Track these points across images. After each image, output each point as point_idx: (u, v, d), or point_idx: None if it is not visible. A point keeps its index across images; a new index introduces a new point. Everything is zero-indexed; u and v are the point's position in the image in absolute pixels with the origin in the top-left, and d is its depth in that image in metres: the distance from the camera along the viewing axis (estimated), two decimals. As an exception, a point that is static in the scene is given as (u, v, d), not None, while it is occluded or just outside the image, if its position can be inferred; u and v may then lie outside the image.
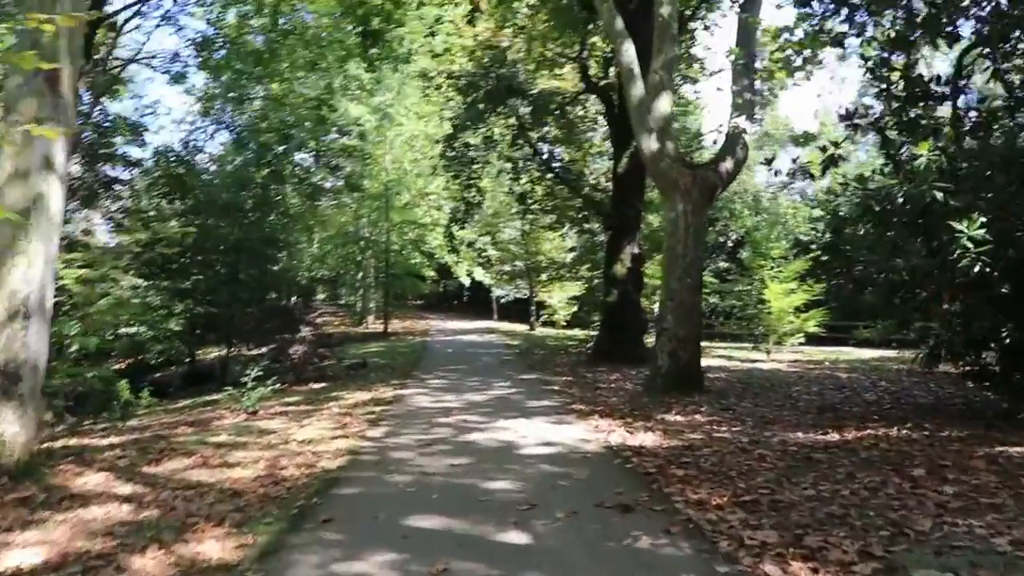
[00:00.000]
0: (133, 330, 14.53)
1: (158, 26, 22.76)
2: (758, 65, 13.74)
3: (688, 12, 19.38)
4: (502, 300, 40.41)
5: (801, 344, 20.95)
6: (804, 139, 12.03)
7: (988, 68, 8.86)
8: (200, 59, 23.01)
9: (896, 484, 5.46)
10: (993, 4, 9.05)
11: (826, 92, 49.84)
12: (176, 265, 17.54)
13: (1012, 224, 7.29)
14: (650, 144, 11.98)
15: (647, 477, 6.08)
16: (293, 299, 29.92)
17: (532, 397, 11.58)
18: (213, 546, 4.57)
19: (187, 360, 19.89)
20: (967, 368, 8.87)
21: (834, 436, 7.59)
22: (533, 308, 35.22)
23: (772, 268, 20.84)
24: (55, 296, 11.35)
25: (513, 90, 21.58)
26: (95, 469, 6.88)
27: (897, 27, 9.74)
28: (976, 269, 6.95)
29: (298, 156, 28.19)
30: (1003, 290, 7.50)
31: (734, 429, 8.21)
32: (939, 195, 7.14)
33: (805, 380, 13.15)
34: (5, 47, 14.88)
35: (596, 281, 26.70)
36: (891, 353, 16.43)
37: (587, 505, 5.25)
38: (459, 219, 28.42)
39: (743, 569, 3.97)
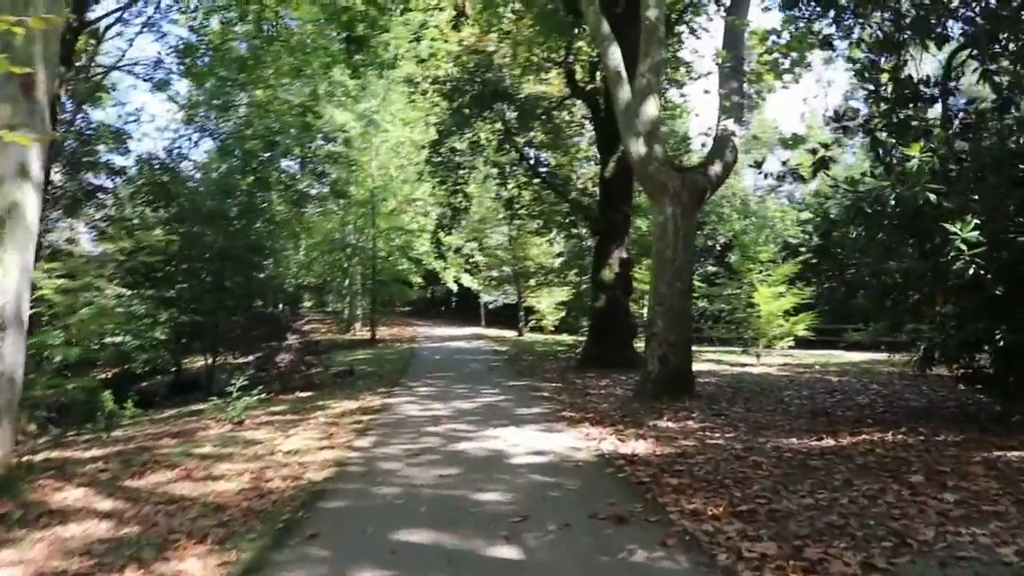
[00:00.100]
0: (118, 339, 14.33)
1: (139, 33, 22.52)
2: (746, 68, 13.69)
3: (674, 16, 19.37)
4: (490, 306, 40.20)
5: (790, 347, 20.90)
6: (793, 142, 11.96)
7: (977, 69, 8.81)
8: (183, 66, 22.86)
9: (895, 491, 5.36)
10: (983, 4, 9.01)
11: (812, 96, 50.01)
12: (161, 273, 17.39)
13: (1005, 226, 7.23)
14: (638, 148, 11.90)
15: (640, 486, 5.96)
16: (280, 307, 29.72)
17: (521, 404, 11.46)
18: (194, 564, 4.43)
19: (173, 369, 19.70)
20: (961, 371, 8.81)
21: (829, 441, 7.49)
22: (521, 314, 35.10)
23: (761, 272, 20.80)
24: (36, 306, 11.21)
25: (499, 95, 21.54)
26: (75, 484, 6.72)
27: (885, 28, 9.70)
28: (970, 271, 6.88)
29: (283, 163, 28.02)
30: (997, 292, 7.44)
31: (727, 435, 8.11)
32: (932, 197, 7.06)
33: (796, 384, 13.08)
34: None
35: (584, 286, 26.62)
36: (881, 356, 16.40)
37: (579, 517, 5.12)
38: (446, 225, 28.32)
39: (743, 583, 3.86)
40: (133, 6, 21.71)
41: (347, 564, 4.35)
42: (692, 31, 20.84)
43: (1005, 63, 8.85)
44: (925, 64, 10.75)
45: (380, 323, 32.47)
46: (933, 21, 9.20)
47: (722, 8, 14.23)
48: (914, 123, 8.41)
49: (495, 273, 37.81)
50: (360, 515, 5.37)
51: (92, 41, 22.01)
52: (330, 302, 40.46)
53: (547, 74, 23.85)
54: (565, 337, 28.21)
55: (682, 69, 22.34)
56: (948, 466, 6.02)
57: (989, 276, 7.12)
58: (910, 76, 9.25)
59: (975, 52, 8.99)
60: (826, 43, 11.02)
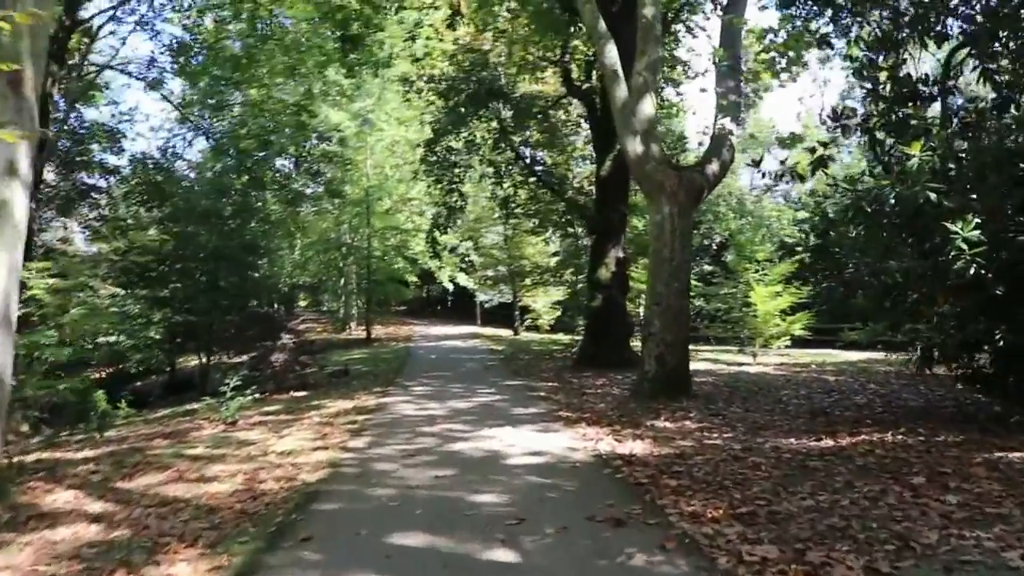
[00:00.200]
0: (112, 339, 14.27)
1: (133, 31, 22.42)
2: (743, 67, 13.64)
3: (671, 14, 19.30)
4: (486, 305, 40.18)
5: (787, 347, 20.86)
6: (791, 141, 11.90)
7: (976, 68, 8.76)
8: (177, 65, 22.72)
9: (896, 493, 5.29)
10: (983, 2, 8.96)
11: (808, 95, 50.03)
12: (155, 273, 17.34)
13: (1005, 225, 7.17)
14: (635, 146, 11.82)
15: (639, 488, 5.88)
16: (274, 306, 29.59)
17: (518, 404, 11.39)
18: (184, 569, 4.35)
19: (167, 369, 19.65)
20: (960, 371, 8.75)
21: (828, 442, 7.42)
22: (517, 313, 35.06)
23: (757, 271, 20.75)
24: (27, 306, 11.12)
25: (495, 93, 21.42)
26: (66, 485, 6.66)
27: (883, 26, 9.64)
28: (971, 271, 6.82)
29: (278, 162, 27.90)
30: (997, 292, 7.38)
31: (725, 435, 8.05)
32: (932, 196, 7.00)
33: (793, 383, 13.02)
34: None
35: (580, 285, 26.53)
36: (878, 355, 16.35)
37: (577, 519, 5.04)
38: (441, 224, 28.19)
39: (744, 587, 3.79)
40: (126, 4, 21.57)
41: (341, 568, 4.28)
42: (689, 29, 20.79)
43: (1005, 62, 8.81)
44: (924, 62, 10.71)
45: (376, 322, 32.46)
46: (932, 19, 9.15)
47: (719, 6, 14.16)
48: (913, 122, 8.34)
49: (491, 272, 37.79)
50: (354, 517, 5.29)
51: (85, 39, 21.85)
52: (325, 301, 40.47)
53: (543, 73, 23.72)
54: (561, 336, 28.17)
55: (679, 68, 22.24)
56: (949, 467, 5.95)
57: (989, 276, 7.06)
58: (909, 75, 9.19)
59: (974, 50, 8.94)
60: (824, 42, 10.96)
